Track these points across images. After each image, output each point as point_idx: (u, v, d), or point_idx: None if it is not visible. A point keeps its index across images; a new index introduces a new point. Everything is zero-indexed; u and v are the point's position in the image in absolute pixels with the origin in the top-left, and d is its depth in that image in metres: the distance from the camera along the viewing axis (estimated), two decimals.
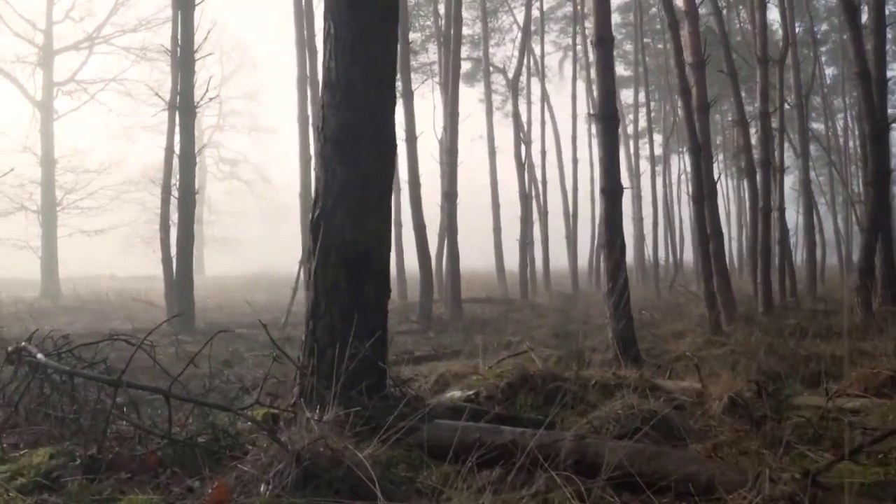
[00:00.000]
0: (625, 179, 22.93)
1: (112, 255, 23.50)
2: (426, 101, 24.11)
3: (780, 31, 17.07)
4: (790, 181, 20.06)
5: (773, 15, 24.59)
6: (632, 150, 24.59)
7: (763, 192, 12.22)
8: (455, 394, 3.79)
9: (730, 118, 29.93)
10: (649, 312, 12.40)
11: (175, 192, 12.37)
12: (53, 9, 19.52)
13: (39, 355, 2.95)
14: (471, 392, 3.69)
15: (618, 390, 3.83)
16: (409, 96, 11.98)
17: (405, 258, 17.01)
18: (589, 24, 24.16)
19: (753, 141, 13.76)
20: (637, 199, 22.76)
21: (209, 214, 25.19)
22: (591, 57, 24.75)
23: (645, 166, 24.02)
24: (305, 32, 13.11)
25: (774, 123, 14.09)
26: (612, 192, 6.98)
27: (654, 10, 25.27)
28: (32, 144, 18.00)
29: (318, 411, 2.75)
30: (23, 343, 3.25)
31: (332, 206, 3.31)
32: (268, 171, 27.60)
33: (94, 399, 3.14)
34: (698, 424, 3.62)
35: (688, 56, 10.20)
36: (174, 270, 12.37)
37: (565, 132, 22.86)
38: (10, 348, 3.45)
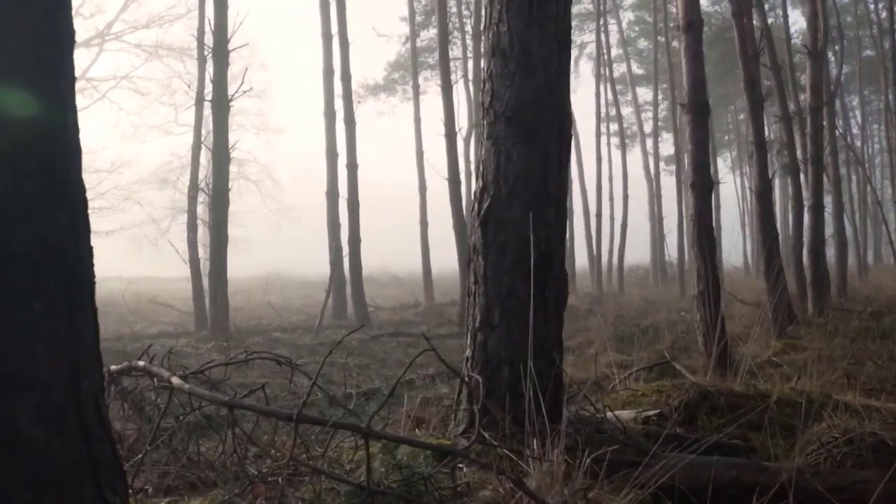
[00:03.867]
0: (640, 178, 22.19)
1: (117, 257, 22.78)
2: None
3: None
4: None
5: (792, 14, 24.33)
6: (649, 149, 24.22)
7: (814, 189, 11.93)
8: (623, 413, 3.27)
9: (741, 115, 29.70)
10: (687, 313, 12.01)
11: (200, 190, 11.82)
12: None
13: (175, 379, 2.40)
14: (651, 412, 3.16)
15: (801, 406, 3.34)
16: (447, 89, 11.46)
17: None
18: (611, 20, 23.77)
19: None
20: (657, 197, 22.34)
21: None
22: (614, 53, 24.35)
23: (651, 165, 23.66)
24: (337, 24, 12.55)
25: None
26: (702, 187, 6.49)
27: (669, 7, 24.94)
28: None
29: (534, 446, 2.22)
30: (139, 362, 2.69)
31: (508, 195, 2.78)
32: (276, 171, 26.92)
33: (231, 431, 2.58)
34: None
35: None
36: (199, 271, 11.84)
37: (582, 131, 22.46)
38: (113, 368, 2.88)
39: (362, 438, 2.02)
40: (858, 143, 26.97)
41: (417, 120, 16.99)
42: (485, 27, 2.93)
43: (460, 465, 2.28)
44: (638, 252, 25.86)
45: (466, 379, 2.80)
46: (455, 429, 2.82)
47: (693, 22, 6.56)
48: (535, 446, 2.19)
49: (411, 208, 19.26)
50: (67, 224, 1.31)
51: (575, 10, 25.12)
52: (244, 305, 16.36)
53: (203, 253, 11.82)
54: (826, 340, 7.80)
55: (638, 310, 14.56)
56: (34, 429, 1.18)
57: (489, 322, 2.78)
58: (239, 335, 10.21)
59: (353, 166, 12.55)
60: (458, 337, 10.39)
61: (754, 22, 12.34)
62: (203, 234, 12.84)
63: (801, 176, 12.51)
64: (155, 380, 2.61)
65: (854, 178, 25.02)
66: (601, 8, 20.84)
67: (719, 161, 26.98)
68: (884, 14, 22.75)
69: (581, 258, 22.03)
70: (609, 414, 3.31)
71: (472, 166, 13.85)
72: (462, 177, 12.11)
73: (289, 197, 27.63)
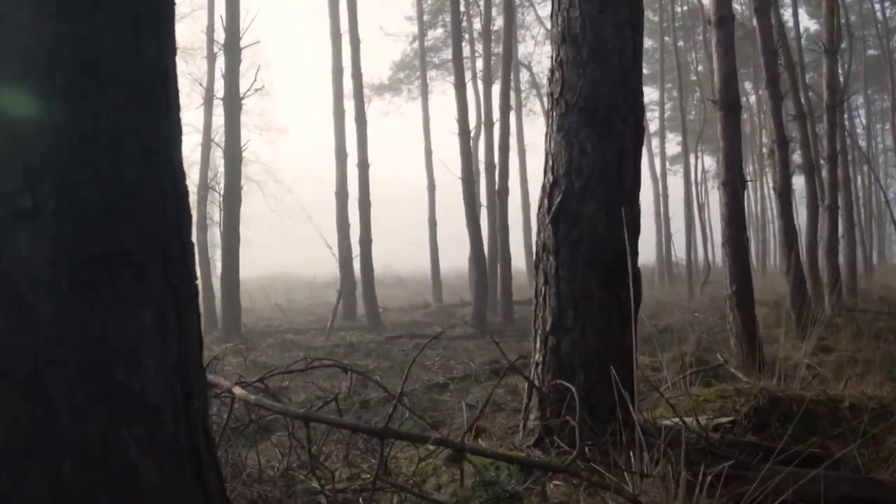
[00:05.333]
0: (646, 179, 22.17)
1: None
2: (448, 98, 23.31)
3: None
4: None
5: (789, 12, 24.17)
6: (655, 149, 24.10)
7: (830, 188, 11.85)
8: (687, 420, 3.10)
9: (744, 114, 29.59)
10: (700, 314, 11.89)
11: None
12: None
13: (237, 389, 2.22)
14: (724, 420, 3.00)
15: (875, 413, 3.19)
16: (461, 87, 11.28)
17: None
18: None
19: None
20: (664, 197, 22.21)
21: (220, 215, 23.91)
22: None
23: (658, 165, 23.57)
24: (347, 22, 12.36)
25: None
26: (734, 185, 6.38)
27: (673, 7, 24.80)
28: None
29: (632, 459, 2.05)
30: None
31: (581, 190, 2.61)
32: (278, 171, 26.69)
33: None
34: None
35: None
36: (209, 272, 11.67)
37: None
38: None
39: (457, 454, 1.84)
40: (863, 143, 26.90)
41: (426, 119, 16.82)
42: (553, 12, 2.76)
43: (557, 482, 2.11)
44: (642, 252, 25.69)
45: (537, 385, 2.63)
46: (525, 439, 2.64)
47: (724, 17, 6.41)
48: (632, 459, 2.02)
49: (413, 208, 19.08)
50: (173, 217, 1.13)
51: None
52: (250, 307, 16.13)
53: (211, 253, 11.66)
54: (855, 342, 7.65)
55: (650, 310, 14.38)
56: (146, 461, 1.00)
57: (562, 324, 2.60)
58: (252, 337, 10.00)
59: (364, 165, 12.36)
60: (474, 338, 10.23)
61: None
62: (211, 234, 12.67)
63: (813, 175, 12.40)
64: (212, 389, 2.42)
65: (859, 177, 24.95)
66: None
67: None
68: (889, 12, 22.70)
69: None
70: (690, 423, 3.13)
71: (483, 166, 13.66)
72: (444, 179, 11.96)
73: (291, 197, 27.41)
